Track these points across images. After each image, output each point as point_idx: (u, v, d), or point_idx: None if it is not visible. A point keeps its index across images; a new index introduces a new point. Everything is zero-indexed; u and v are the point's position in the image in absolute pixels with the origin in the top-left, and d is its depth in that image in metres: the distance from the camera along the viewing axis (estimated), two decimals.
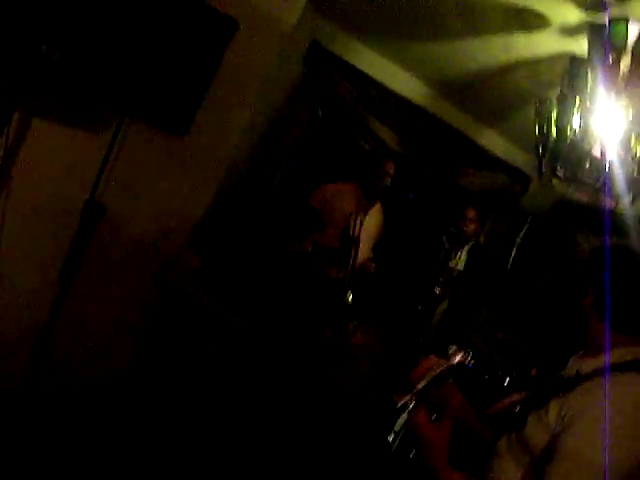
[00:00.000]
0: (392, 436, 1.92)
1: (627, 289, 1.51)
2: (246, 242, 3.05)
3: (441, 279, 3.80)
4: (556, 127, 2.42)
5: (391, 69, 4.14)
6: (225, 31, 2.77)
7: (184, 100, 2.80)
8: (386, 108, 4.14)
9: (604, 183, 2.37)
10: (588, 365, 1.53)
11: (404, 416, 2.01)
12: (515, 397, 1.82)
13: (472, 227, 4.02)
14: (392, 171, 3.72)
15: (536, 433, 1.50)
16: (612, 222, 3.81)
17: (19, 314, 2.74)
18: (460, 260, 4.01)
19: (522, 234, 4.75)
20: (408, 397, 1.60)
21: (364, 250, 3.73)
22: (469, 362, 1.63)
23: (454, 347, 1.66)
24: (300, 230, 3.48)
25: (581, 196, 2.62)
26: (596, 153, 2.39)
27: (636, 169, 2.35)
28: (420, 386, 1.60)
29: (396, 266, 4.09)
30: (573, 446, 1.38)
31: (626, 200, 2.44)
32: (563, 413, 1.45)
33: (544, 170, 2.52)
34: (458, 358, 1.65)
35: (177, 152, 2.89)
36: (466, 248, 4.08)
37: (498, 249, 4.54)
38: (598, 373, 1.48)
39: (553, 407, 1.49)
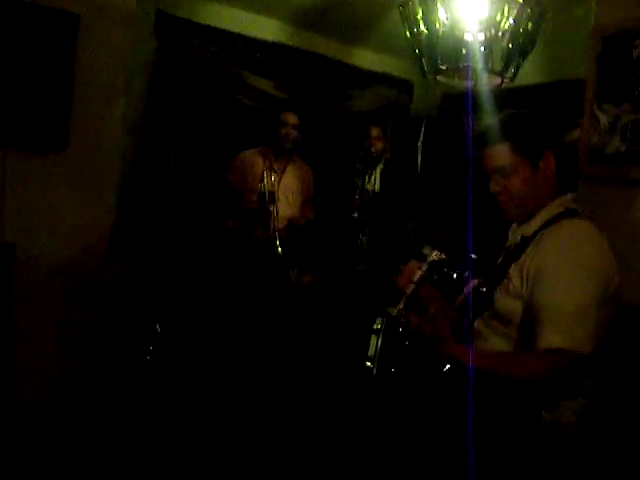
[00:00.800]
0: (369, 361, 1.99)
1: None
2: (165, 231, 2.97)
3: (358, 203, 3.83)
4: (424, 25, 2.45)
5: (248, 18, 4.04)
6: (68, 28, 2.62)
7: (52, 113, 2.66)
8: (256, 58, 4.07)
9: (483, 63, 2.43)
10: (531, 227, 1.65)
11: (374, 339, 2.07)
12: (474, 283, 1.91)
13: (379, 145, 4.04)
14: (294, 121, 3.66)
15: (507, 302, 1.61)
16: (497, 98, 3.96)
17: None
18: (375, 180, 4.05)
19: (421, 137, 4.85)
20: (401, 304, 1.65)
21: (290, 206, 3.75)
22: (444, 257, 1.69)
23: (428, 247, 1.71)
24: (218, 205, 3.44)
25: (465, 82, 2.68)
26: (468, 37, 2.44)
27: (508, 42, 2.42)
28: (409, 291, 1.65)
29: (322, 209, 4.10)
30: (547, 301, 1.48)
31: (506, 74, 2.52)
32: (524, 274, 1.57)
33: (426, 69, 2.56)
34: (434, 256, 1.70)
35: (66, 167, 2.75)
36: (379, 168, 4.12)
37: (403, 158, 4.62)
38: (542, 229, 1.61)
39: (513, 273, 1.60)
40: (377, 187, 4.07)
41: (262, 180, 3.54)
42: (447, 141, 4.72)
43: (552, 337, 1.44)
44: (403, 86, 4.80)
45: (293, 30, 4.22)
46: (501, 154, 1.64)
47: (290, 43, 4.23)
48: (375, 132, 4.06)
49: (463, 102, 4.64)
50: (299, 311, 3.60)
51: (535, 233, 1.62)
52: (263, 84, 4.10)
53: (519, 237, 1.67)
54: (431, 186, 4.63)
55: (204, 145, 4.08)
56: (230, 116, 4.21)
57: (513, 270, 1.61)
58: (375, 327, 2.10)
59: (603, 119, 2.04)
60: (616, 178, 2.05)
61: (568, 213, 1.61)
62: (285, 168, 3.75)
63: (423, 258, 1.72)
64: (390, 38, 4.34)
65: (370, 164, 4.04)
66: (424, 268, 1.69)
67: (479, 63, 2.40)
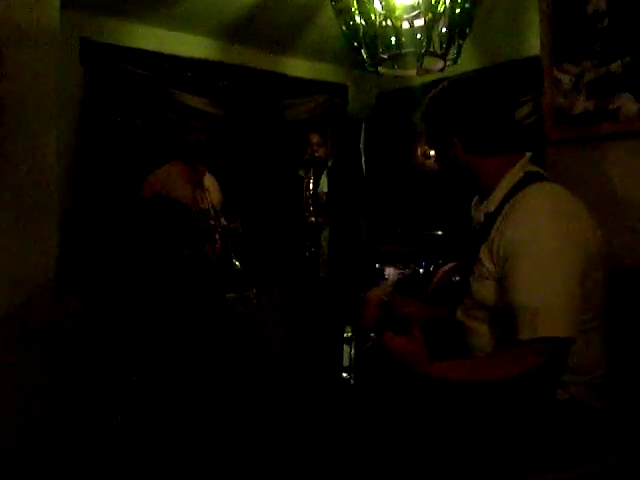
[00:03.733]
0: (346, 372, 1.94)
1: (485, 116, 1.55)
2: (116, 260, 2.82)
3: (311, 208, 3.79)
4: (360, 17, 2.42)
5: (175, 38, 3.98)
6: None
7: None
8: (187, 77, 3.99)
9: (425, 48, 2.41)
10: (492, 202, 1.54)
11: (347, 349, 2.02)
12: (443, 269, 1.85)
13: (321, 150, 4.03)
14: (199, 126, 3.49)
15: (485, 288, 1.49)
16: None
17: None
18: (323, 185, 4.03)
19: (362, 139, 4.85)
20: (373, 337, 1.58)
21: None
22: (405, 271, 1.63)
23: (385, 269, 1.66)
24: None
25: (407, 71, 2.66)
26: (406, 24, 2.43)
27: (446, 24, 2.42)
28: (374, 323, 1.59)
29: (270, 219, 4.03)
30: (524, 299, 1.37)
31: (448, 56, 2.51)
32: (494, 254, 1.46)
33: (366, 61, 2.53)
34: (394, 275, 1.65)
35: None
36: (325, 173, 4.11)
37: (347, 161, 4.62)
38: (505, 201, 1.50)
39: (484, 256, 1.49)
40: (326, 191, 4.05)
41: (198, 198, 3.43)
42: (387, 140, 4.74)
43: (531, 330, 1.35)
44: (337, 90, 4.81)
45: (221, 45, 4.17)
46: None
47: (220, 59, 4.17)
48: (315, 139, 4.06)
49: (398, 99, 4.71)
50: (262, 331, 3.51)
51: (498, 207, 1.51)
52: (197, 102, 4.02)
53: (482, 215, 1.57)
54: (378, 185, 4.63)
55: (142, 170, 3.96)
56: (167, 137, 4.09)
57: (483, 252, 1.50)
58: (346, 336, 2.03)
59: (565, 80, 2.03)
60: (586, 137, 2.02)
61: (530, 177, 1.50)
62: (202, 178, 3.59)
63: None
64: (319, 44, 4.35)
65: (317, 170, 4.02)
66: (387, 293, 1.62)
67: (420, 48, 2.39)
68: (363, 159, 4.83)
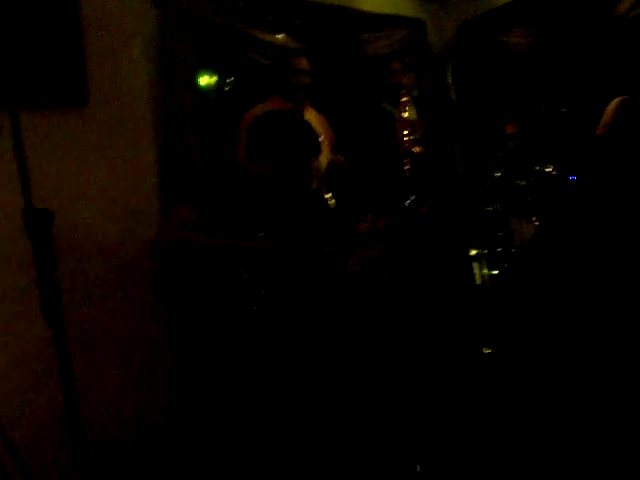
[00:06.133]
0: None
1: None
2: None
3: (408, 137, 3.51)
4: None
5: None
6: None
7: (63, 64, 2.34)
8: (263, 15, 3.79)
9: None
10: None
11: (477, 266, 2.05)
12: None
13: (403, 78, 3.79)
14: (306, 67, 3.37)
15: None
16: None
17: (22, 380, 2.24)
18: (411, 113, 3.75)
19: (449, 72, 4.53)
20: None
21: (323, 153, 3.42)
22: None
23: None
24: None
25: None
26: None
27: None
28: None
29: (367, 158, 3.77)
30: None
31: None
32: None
33: None
34: None
35: (92, 124, 2.42)
36: (411, 103, 3.83)
37: (434, 94, 4.33)
38: None
39: None
40: (415, 118, 3.78)
41: None
42: (477, 70, 4.41)
43: None
44: (415, 25, 4.49)
45: None
46: None
47: None
48: (395, 65, 3.88)
49: (482, 25, 4.37)
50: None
51: None
52: (279, 39, 3.80)
53: None
54: (471, 117, 4.30)
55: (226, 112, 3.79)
56: (248, 77, 3.92)
57: None
58: (472, 254, 2.02)
59: None
60: None
61: None
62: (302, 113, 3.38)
63: None
64: None
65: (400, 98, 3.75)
66: None
67: None
68: (452, 93, 4.50)
